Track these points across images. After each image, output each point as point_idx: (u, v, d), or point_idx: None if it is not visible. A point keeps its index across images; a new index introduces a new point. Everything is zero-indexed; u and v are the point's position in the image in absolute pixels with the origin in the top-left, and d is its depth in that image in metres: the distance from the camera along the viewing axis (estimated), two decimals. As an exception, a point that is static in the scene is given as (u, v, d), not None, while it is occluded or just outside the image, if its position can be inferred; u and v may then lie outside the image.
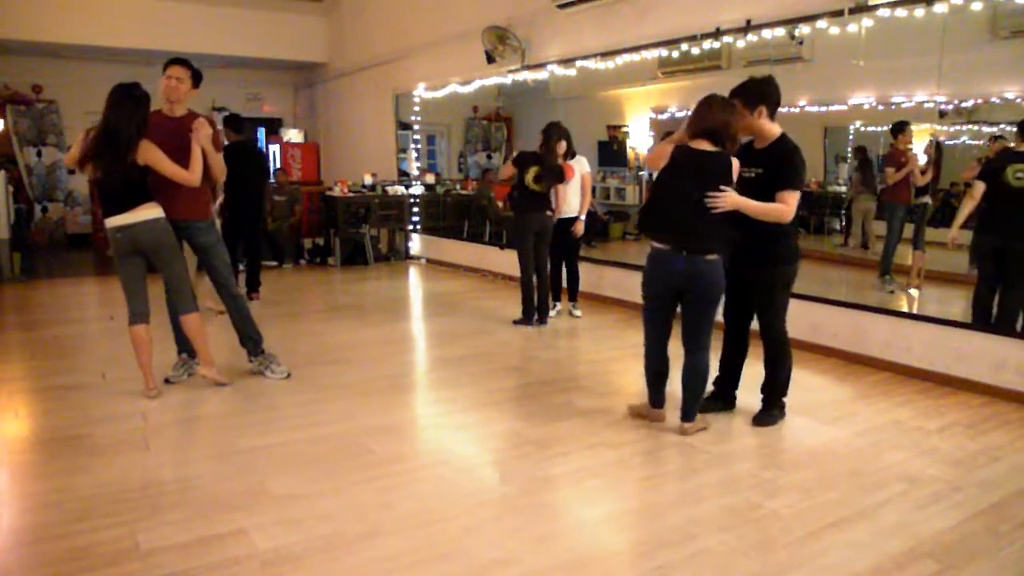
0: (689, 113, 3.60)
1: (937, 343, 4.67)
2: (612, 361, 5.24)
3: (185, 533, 2.66)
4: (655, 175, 3.58)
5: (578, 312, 6.54)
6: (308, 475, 3.20)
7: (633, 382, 4.81)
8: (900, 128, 6.00)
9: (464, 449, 3.63)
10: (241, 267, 7.80)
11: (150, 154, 3.93)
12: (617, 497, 3.07)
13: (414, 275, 9.24)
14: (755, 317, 4.02)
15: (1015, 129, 4.81)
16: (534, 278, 6.15)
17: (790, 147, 3.62)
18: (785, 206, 3.55)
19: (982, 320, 4.64)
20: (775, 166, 3.61)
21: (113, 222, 3.98)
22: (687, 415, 3.72)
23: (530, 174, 5.89)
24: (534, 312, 6.16)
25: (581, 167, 6.21)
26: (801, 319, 5.46)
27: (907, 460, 3.43)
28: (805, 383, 4.69)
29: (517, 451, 3.53)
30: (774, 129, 3.66)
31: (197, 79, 4.37)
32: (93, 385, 4.47)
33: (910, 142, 6.02)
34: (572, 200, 6.18)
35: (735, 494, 3.05)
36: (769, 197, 3.57)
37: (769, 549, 2.61)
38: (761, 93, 3.63)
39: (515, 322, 6.21)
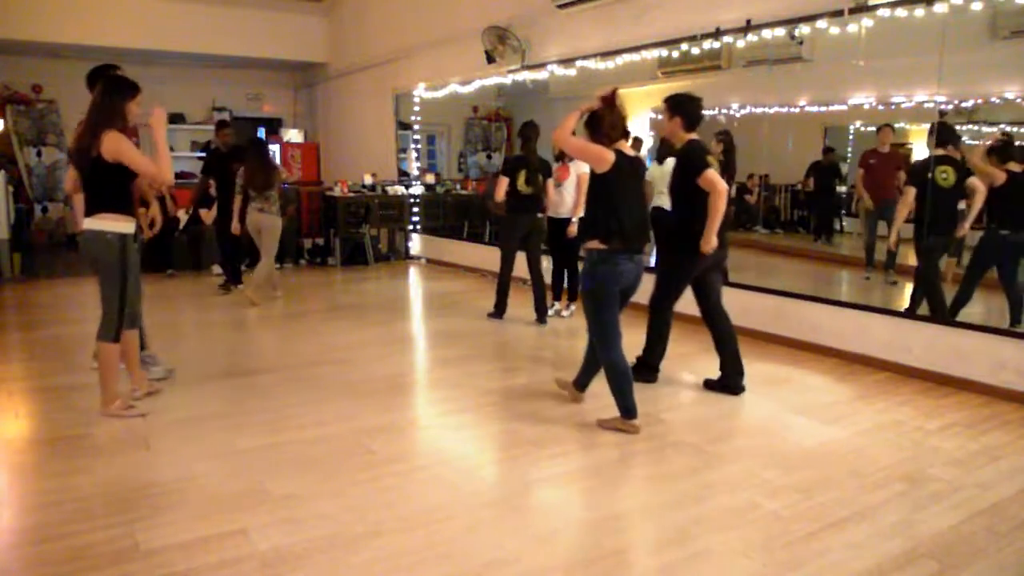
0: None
1: (937, 343, 4.67)
2: (612, 361, 5.24)
3: (185, 533, 2.66)
4: (580, 178, 3.85)
5: (566, 313, 6.55)
6: (308, 475, 3.20)
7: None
8: (877, 130, 6.07)
9: (464, 449, 3.63)
10: (244, 266, 7.99)
11: (119, 145, 3.56)
12: (617, 497, 3.07)
13: (414, 275, 9.24)
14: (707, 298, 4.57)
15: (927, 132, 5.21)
16: (512, 277, 6.30)
17: (684, 151, 4.23)
18: (711, 186, 4.02)
19: (943, 312, 4.93)
20: (680, 163, 4.30)
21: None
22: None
23: (520, 178, 6.00)
24: (505, 308, 6.31)
25: (578, 167, 6.20)
26: (801, 319, 5.47)
27: (907, 460, 3.44)
28: (805, 383, 4.70)
29: (517, 451, 3.53)
30: (685, 136, 4.22)
31: None
32: (93, 385, 4.46)
33: (885, 143, 6.13)
34: (568, 201, 6.19)
35: (735, 494, 3.05)
36: (681, 188, 4.25)
37: (769, 549, 2.61)
38: (683, 107, 4.19)
39: (489, 315, 6.35)
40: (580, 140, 3.72)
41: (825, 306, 5.35)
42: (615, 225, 3.63)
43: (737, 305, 5.91)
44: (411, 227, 10.37)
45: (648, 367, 4.63)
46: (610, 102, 3.67)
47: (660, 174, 6.52)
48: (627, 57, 6.60)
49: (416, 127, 10.43)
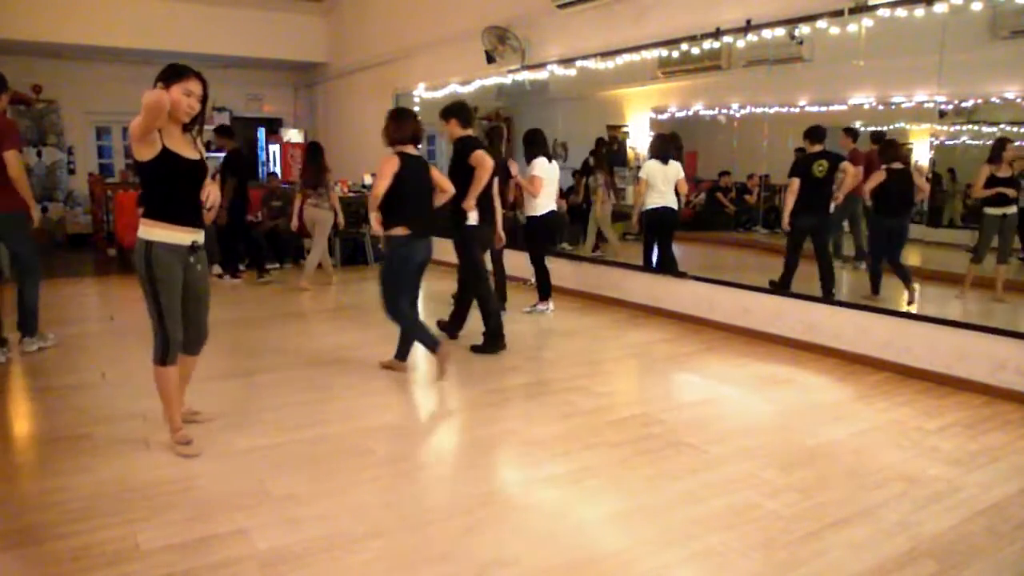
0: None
1: (937, 343, 4.67)
2: (612, 361, 5.24)
3: (185, 533, 2.66)
4: (380, 178, 4.43)
5: (542, 307, 6.69)
6: (308, 475, 3.20)
7: (633, 381, 4.81)
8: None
9: (464, 449, 3.63)
10: (242, 267, 8.25)
11: (131, 134, 3.19)
12: (617, 497, 3.06)
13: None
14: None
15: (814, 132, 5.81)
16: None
17: (459, 143, 5.20)
18: (479, 162, 5.00)
19: (788, 284, 5.72)
20: (455, 151, 5.24)
21: None
22: (405, 355, 4.82)
23: None
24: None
25: (536, 170, 6.30)
26: (801, 319, 5.47)
27: (907, 460, 3.44)
28: (805, 383, 4.70)
29: (517, 451, 3.53)
30: (461, 133, 5.20)
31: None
32: (93, 385, 4.47)
33: (847, 146, 6.36)
34: (546, 199, 6.36)
35: (735, 494, 3.05)
36: (457, 173, 5.08)
37: (769, 549, 2.61)
38: (454, 113, 5.19)
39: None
40: (380, 175, 4.41)
41: (825, 306, 5.35)
42: (407, 214, 4.45)
43: (737, 305, 5.93)
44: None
45: (453, 327, 5.57)
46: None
47: (663, 175, 6.53)
48: (627, 57, 6.60)
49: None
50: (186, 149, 3.28)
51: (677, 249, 6.82)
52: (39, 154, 11.65)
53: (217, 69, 12.40)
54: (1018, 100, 5.35)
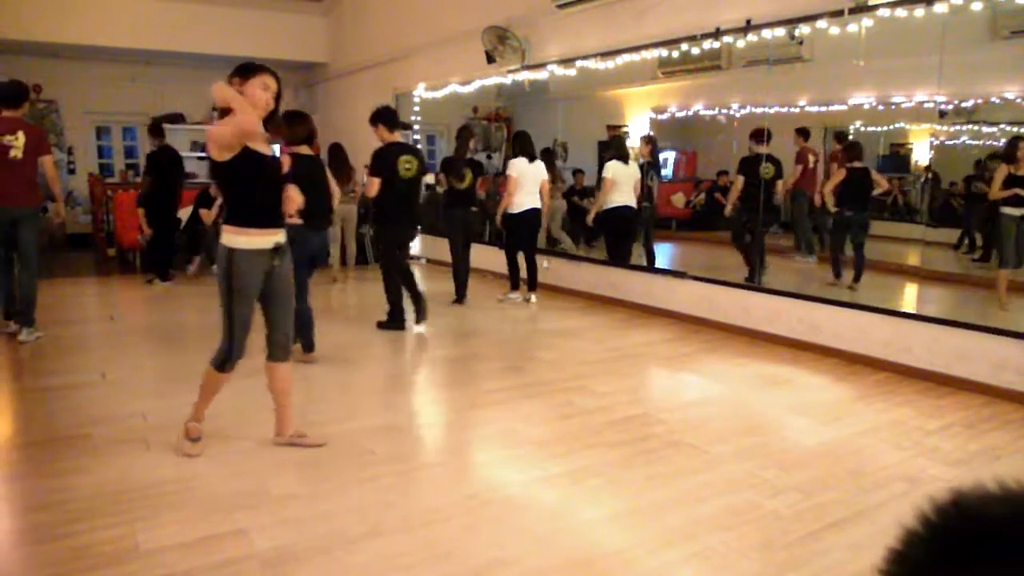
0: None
1: (937, 343, 4.67)
2: (612, 361, 5.24)
3: (185, 533, 2.66)
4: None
5: (534, 299, 7.03)
6: (308, 475, 3.20)
7: (633, 381, 4.81)
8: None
9: (464, 449, 3.63)
10: (191, 267, 8.50)
11: (208, 134, 3.22)
12: (617, 497, 3.06)
13: (414, 275, 9.22)
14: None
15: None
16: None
17: (378, 148, 5.64)
18: (369, 182, 5.66)
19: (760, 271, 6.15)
20: (374, 157, 5.69)
21: None
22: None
23: (452, 175, 6.71)
24: (465, 294, 7.03)
25: (511, 170, 6.67)
26: (801, 319, 5.47)
27: (907, 460, 3.44)
28: (805, 383, 4.70)
29: (517, 451, 3.53)
30: (388, 137, 5.63)
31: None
32: (93, 385, 4.47)
33: (798, 143, 6.86)
34: (525, 197, 6.65)
35: (735, 494, 3.05)
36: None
37: (769, 549, 2.61)
38: (380, 118, 5.61)
39: (452, 302, 6.95)
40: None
41: (825, 306, 5.35)
42: (309, 210, 4.59)
43: (737, 305, 5.94)
44: (411, 227, 10.37)
45: (394, 321, 5.91)
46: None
47: (626, 174, 6.73)
48: (627, 57, 6.60)
49: (416, 127, 10.43)
50: (263, 147, 3.25)
51: (676, 249, 6.87)
52: (39, 154, 11.62)
53: (217, 69, 12.44)
54: (1018, 100, 5.36)
